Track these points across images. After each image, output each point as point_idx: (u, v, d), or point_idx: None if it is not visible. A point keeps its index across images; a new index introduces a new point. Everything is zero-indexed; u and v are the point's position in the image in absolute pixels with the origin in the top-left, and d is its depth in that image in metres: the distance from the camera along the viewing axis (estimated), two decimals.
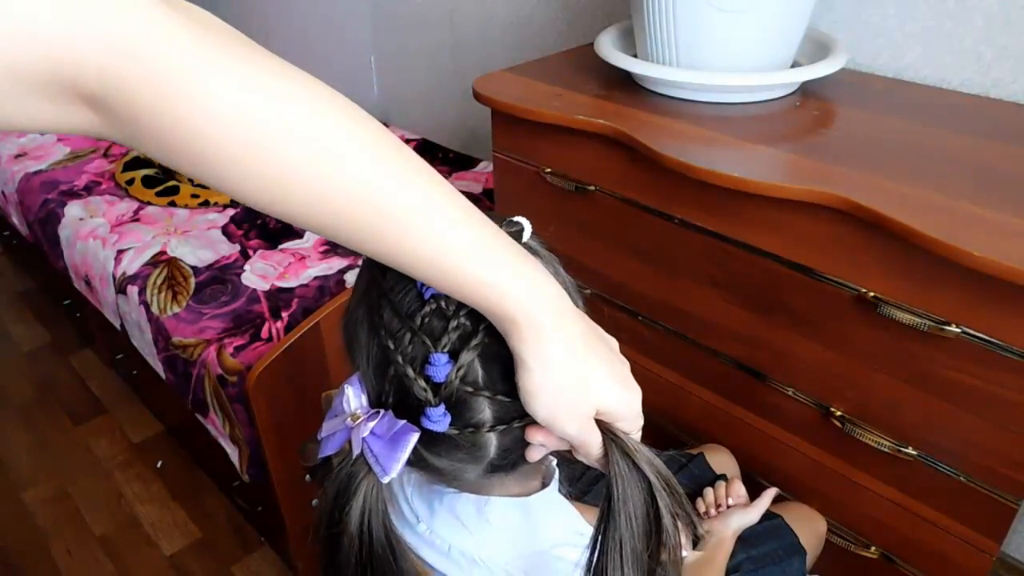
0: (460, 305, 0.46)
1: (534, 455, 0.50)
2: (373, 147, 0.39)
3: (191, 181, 1.80)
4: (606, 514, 0.46)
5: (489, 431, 0.48)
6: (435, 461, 0.50)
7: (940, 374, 0.83)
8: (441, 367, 0.45)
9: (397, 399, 0.48)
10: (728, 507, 0.95)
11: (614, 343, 0.50)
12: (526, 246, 0.49)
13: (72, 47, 0.31)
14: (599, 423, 0.47)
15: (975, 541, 0.88)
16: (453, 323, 0.46)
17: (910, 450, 0.89)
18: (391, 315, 0.48)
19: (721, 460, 1.07)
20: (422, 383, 0.46)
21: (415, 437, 0.46)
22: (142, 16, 0.33)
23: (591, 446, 0.47)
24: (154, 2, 0.33)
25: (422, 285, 0.47)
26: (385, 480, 0.47)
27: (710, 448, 1.09)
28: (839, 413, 0.95)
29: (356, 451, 0.47)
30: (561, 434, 0.46)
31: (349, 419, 0.48)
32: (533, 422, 0.47)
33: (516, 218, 0.51)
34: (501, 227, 0.48)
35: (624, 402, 0.47)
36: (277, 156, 0.36)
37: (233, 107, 0.34)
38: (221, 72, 0.34)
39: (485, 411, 0.48)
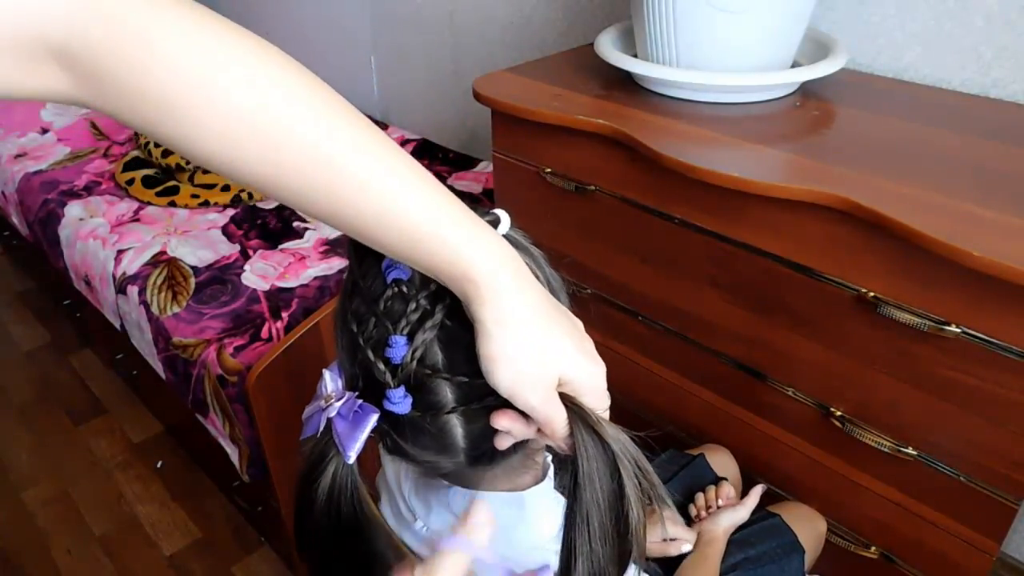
0: (420, 288, 0.47)
1: (502, 443, 0.50)
2: (326, 112, 0.39)
3: (191, 181, 1.80)
4: (572, 490, 0.46)
5: (449, 413, 0.48)
6: (408, 448, 0.51)
7: (940, 374, 0.83)
8: (398, 348, 0.46)
9: (365, 383, 0.49)
10: (718, 508, 0.96)
11: (579, 322, 0.50)
12: (509, 238, 0.49)
13: (45, 6, 0.33)
14: (563, 397, 0.46)
15: (975, 541, 0.88)
16: (412, 305, 0.47)
17: (910, 450, 0.89)
18: (359, 301, 0.49)
19: (721, 460, 1.07)
20: (381, 365, 0.47)
21: (374, 418, 0.47)
22: None
23: (556, 421, 0.45)
24: None
25: (386, 267, 0.48)
26: (350, 460, 0.48)
27: (710, 448, 1.09)
28: (839, 413, 0.95)
29: (318, 429, 0.49)
30: (524, 405, 0.45)
31: (323, 401, 0.49)
32: (494, 404, 0.47)
33: (496, 210, 0.51)
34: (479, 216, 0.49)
35: (588, 375, 0.47)
36: (229, 120, 0.37)
37: (192, 69, 0.35)
38: (180, 32, 0.35)
39: (446, 394, 0.48)
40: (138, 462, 1.82)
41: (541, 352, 0.45)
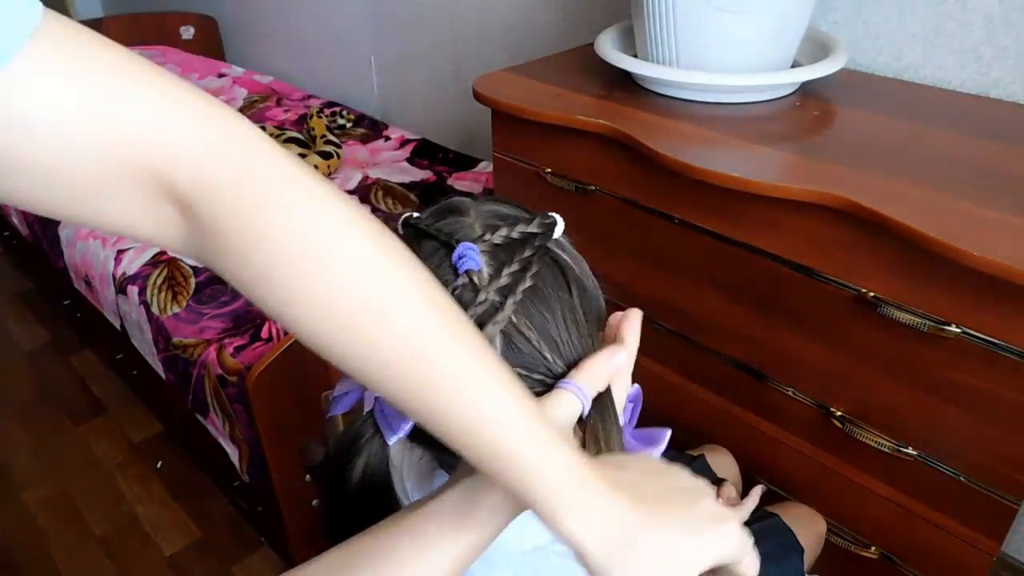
0: (491, 280, 0.47)
1: None
2: (430, 303, 0.38)
3: None
4: None
5: None
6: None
7: (940, 374, 0.83)
8: None
9: None
10: None
11: (699, 483, 0.46)
12: (558, 243, 0.50)
13: (176, 146, 0.33)
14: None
15: (975, 541, 0.88)
16: (481, 296, 0.46)
17: (910, 450, 0.89)
18: None
19: (722, 461, 1.07)
20: None
21: None
22: (249, 136, 0.35)
23: None
24: (257, 133, 0.36)
25: (457, 258, 0.47)
26: (392, 440, 0.47)
27: (711, 449, 1.09)
28: (839, 413, 0.95)
29: (368, 408, 0.48)
30: None
31: None
32: (559, 383, 0.47)
33: (551, 213, 0.51)
34: (535, 220, 0.50)
35: (730, 548, 0.42)
36: (332, 296, 0.36)
37: (303, 226, 0.35)
38: (305, 200, 0.36)
39: None
40: (138, 462, 1.82)
41: (666, 560, 0.40)
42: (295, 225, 0.35)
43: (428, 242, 0.50)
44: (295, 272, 0.35)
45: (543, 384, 0.48)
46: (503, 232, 0.49)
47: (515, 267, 0.48)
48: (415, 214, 0.53)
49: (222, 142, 0.35)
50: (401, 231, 0.53)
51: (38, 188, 0.32)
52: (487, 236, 0.49)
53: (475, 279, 0.47)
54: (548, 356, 0.48)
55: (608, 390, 0.49)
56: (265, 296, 0.36)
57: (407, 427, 0.47)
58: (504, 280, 0.47)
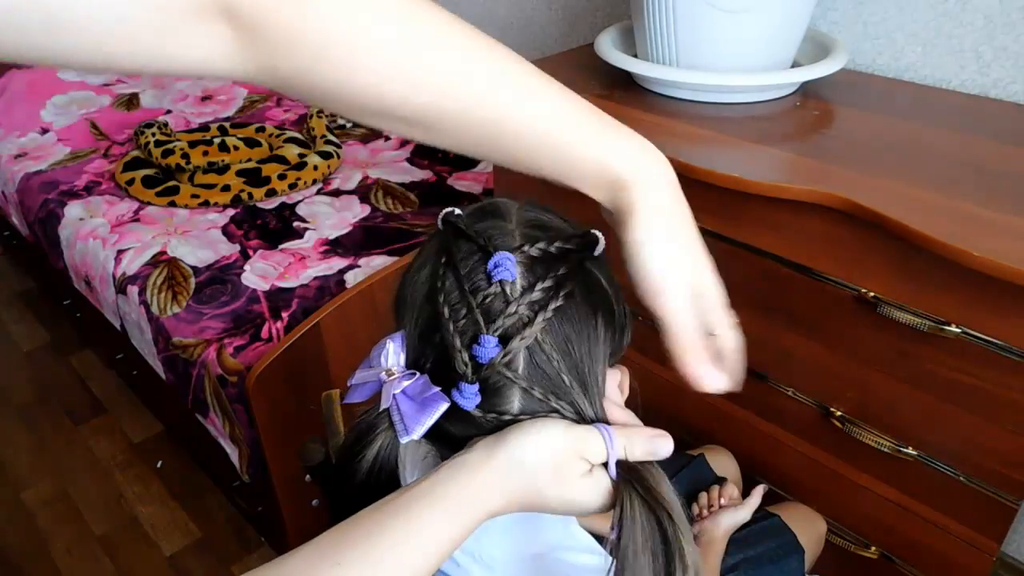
0: (524, 293, 0.47)
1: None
2: (482, 47, 0.43)
3: (191, 181, 1.80)
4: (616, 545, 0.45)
5: (512, 421, 0.48)
6: (450, 428, 0.50)
7: (940, 374, 0.83)
8: (489, 349, 0.46)
9: (434, 367, 0.49)
10: (720, 508, 0.96)
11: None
12: (594, 261, 0.52)
13: None
14: (626, 468, 0.46)
15: (975, 541, 0.88)
16: (512, 308, 0.46)
17: (910, 450, 0.89)
18: (453, 285, 0.48)
19: (721, 461, 1.07)
20: (465, 357, 0.46)
21: (444, 407, 0.47)
22: None
23: (687, 330, 0.48)
24: None
25: (493, 266, 0.47)
26: (404, 440, 0.47)
27: (711, 449, 1.09)
28: (839, 413, 0.95)
29: (384, 405, 0.48)
30: (667, 303, 0.47)
31: (384, 373, 0.49)
32: (598, 425, 0.48)
33: (593, 231, 0.52)
34: (576, 236, 0.52)
35: (719, 289, 0.49)
36: (379, 55, 0.39)
37: (345, 13, 0.38)
38: None
39: (515, 402, 0.48)
40: (138, 462, 1.82)
41: (690, 247, 0.47)
42: (324, 7, 0.37)
43: (465, 243, 0.49)
44: (336, 46, 0.38)
45: (551, 408, 0.48)
46: (542, 245, 0.49)
47: (549, 283, 0.47)
48: (456, 211, 0.53)
49: None
50: (440, 227, 0.52)
51: (96, 41, 0.34)
52: (525, 247, 0.49)
53: (507, 290, 0.47)
54: (566, 379, 0.48)
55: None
56: (320, 82, 0.39)
57: (421, 430, 0.46)
58: (536, 295, 0.47)
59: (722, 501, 0.97)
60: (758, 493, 0.97)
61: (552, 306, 0.47)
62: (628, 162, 0.46)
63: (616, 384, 0.55)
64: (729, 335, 0.50)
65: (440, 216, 0.53)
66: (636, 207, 0.46)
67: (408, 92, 0.41)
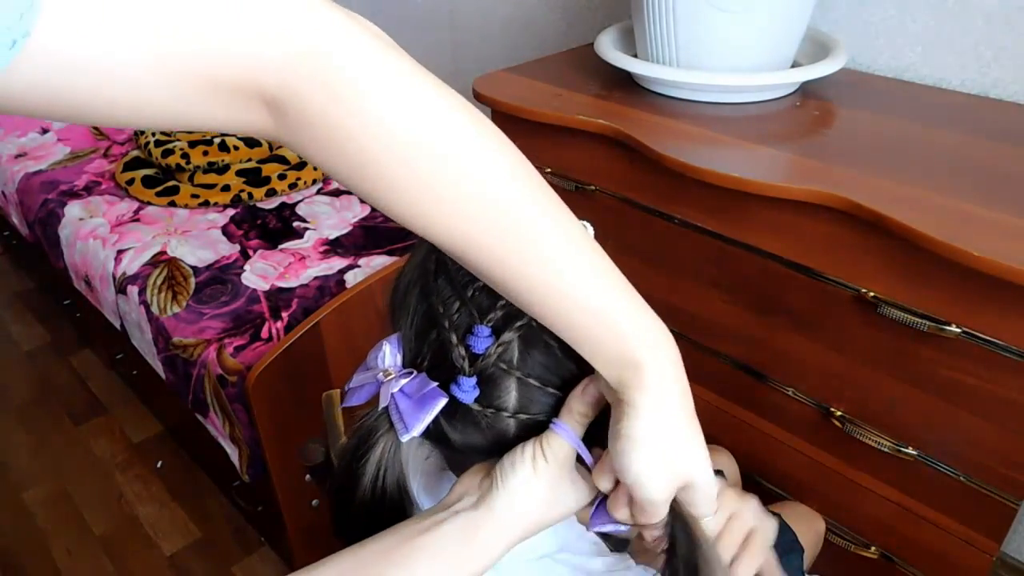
0: None
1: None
2: (517, 170, 0.41)
3: (191, 181, 1.80)
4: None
5: (510, 418, 0.48)
6: (452, 435, 0.51)
7: (940, 374, 0.83)
8: (482, 339, 0.47)
9: (432, 364, 0.49)
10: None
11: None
12: None
13: (263, 56, 0.33)
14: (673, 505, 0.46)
15: (975, 541, 0.88)
16: (501, 301, 0.47)
17: (910, 450, 0.89)
18: (445, 282, 0.49)
19: (721, 462, 1.07)
20: (461, 351, 0.47)
21: (442, 402, 0.47)
22: (328, 27, 0.35)
23: (657, 518, 0.45)
24: (340, 16, 0.36)
25: None
26: (405, 438, 0.48)
27: (711, 449, 1.08)
28: (839, 413, 0.95)
29: (383, 405, 0.49)
30: (642, 494, 0.44)
31: (381, 374, 0.49)
32: (544, 421, 0.48)
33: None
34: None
35: (710, 485, 0.46)
36: (429, 170, 0.37)
37: (397, 119, 0.36)
38: (390, 84, 0.36)
39: (512, 393, 0.48)
40: (138, 462, 1.82)
41: (683, 448, 0.44)
42: (375, 123, 0.36)
43: None
44: (381, 164, 0.36)
45: (549, 396, 0.48)
46: None
47: None
48: None
49: (303, 39, 0.34)
50: None
51: (136, 115, 0.33)
52: None
53: None
54: (566, 360, 0.48)
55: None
56: (358, 187, 0.38)
57: (420, 427, 0.47)
58: None
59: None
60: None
61: None
62: (644, 344, 0.43)
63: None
64: (710, 527, 0.48)
65: None
66: (637, 400, 0.43)
67: (427, 223, 0.39)
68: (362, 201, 1.73)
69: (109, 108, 0.32)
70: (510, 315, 0.47)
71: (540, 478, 0.46)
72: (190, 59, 0.32)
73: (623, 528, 0.48)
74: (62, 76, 0.30)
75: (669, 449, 0.44)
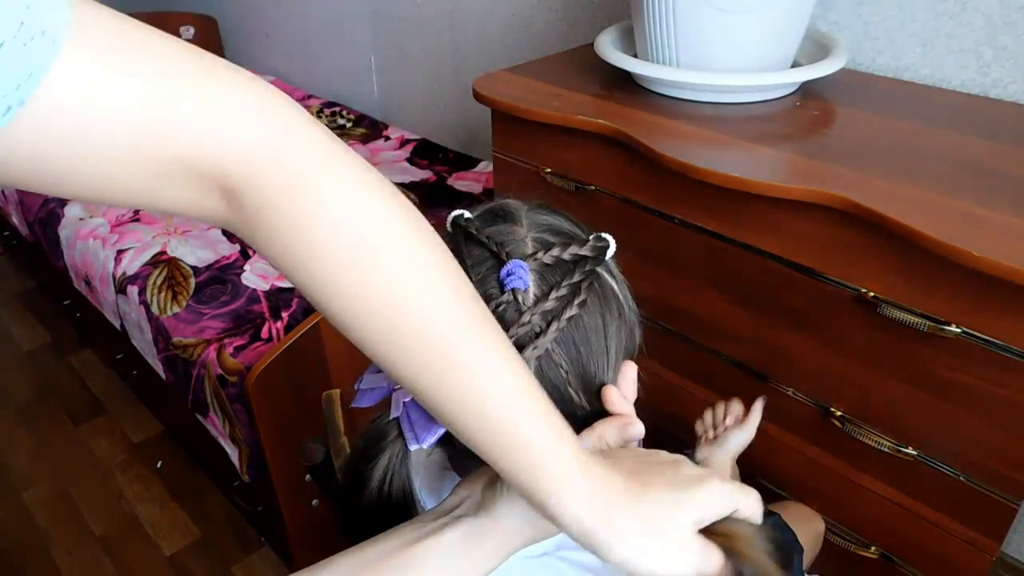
0: (537, 302, 0.47)
1: None
2: (457, 289, 0.40)
3: None
4: None
5: None
6: (460, 445, 0.50)
7: (940, 374, 0.83)
8: None
9: None
10: (725, 428, 0.94)
11: (679, 458, 0.47)
12: (605, 266, 0.50)
13: (231, 145, 0.34)
14: (716, 539, 0.43)
15: (975, 541, 0.88)
16: (525, 318, 0.46)
17: (910, 450, 0.89)
18: None
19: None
20: None
21: None
22: (295, 126, 0.36)
23: (711, 563, 0.42)
24: (305, 118, 0.37)
25: (506, 274, 0.47)
26: (414, 448, 0.47)
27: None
28: (839, 413, 0.95)
29: (394, 414, 0.48)
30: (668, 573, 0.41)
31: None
32: None
33: (603, 235, 0.51)
34: (588, 241, 0.49)
35: (713, 497, 0.43)
36: (369, 273, 0.37)
37: (344, 220, 0.37)
38: (345, 202, 0.37)
39: None
40: (138, 462, 1.82)
41: (657, 523, 0.42)
42: (335, 219, 0.36)
43: (477, 248, 0.49)
44: (334, 264, 0.37)
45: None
46: (555, 252, 0.48)
47: (563, 291, 0.47)
48: (466, 214, 0.52)
49: (271, 133, 0.35)
50: (449, 229, 0.52)
51: (92, 188, 0.34)
52: (539, 254, 0.48)
53: (520, 298, 0.46)
54: (573, 392, 0.48)
55: None
56: (305, 284, 0.38)
57: (432, 439, 0.46)
58: (550, 304, 0.46)
59: (727, 421, 0.95)
60: (758, 407, 0.94)
61: (566, 316, 0.46)
62: (554, 467, 0.41)
63: (633, 379, 0.53)
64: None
65: (449, 219, 0.52)
66: (582, 530, 0.41)
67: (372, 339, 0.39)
68: None
69: (87, 181, 0.33)
70: (531, 334, 0.46)
71: None
72: (166, 141, 0.33)
73: None
74: (48, 146, 0.31)
75: (649, 537, 0.41)
